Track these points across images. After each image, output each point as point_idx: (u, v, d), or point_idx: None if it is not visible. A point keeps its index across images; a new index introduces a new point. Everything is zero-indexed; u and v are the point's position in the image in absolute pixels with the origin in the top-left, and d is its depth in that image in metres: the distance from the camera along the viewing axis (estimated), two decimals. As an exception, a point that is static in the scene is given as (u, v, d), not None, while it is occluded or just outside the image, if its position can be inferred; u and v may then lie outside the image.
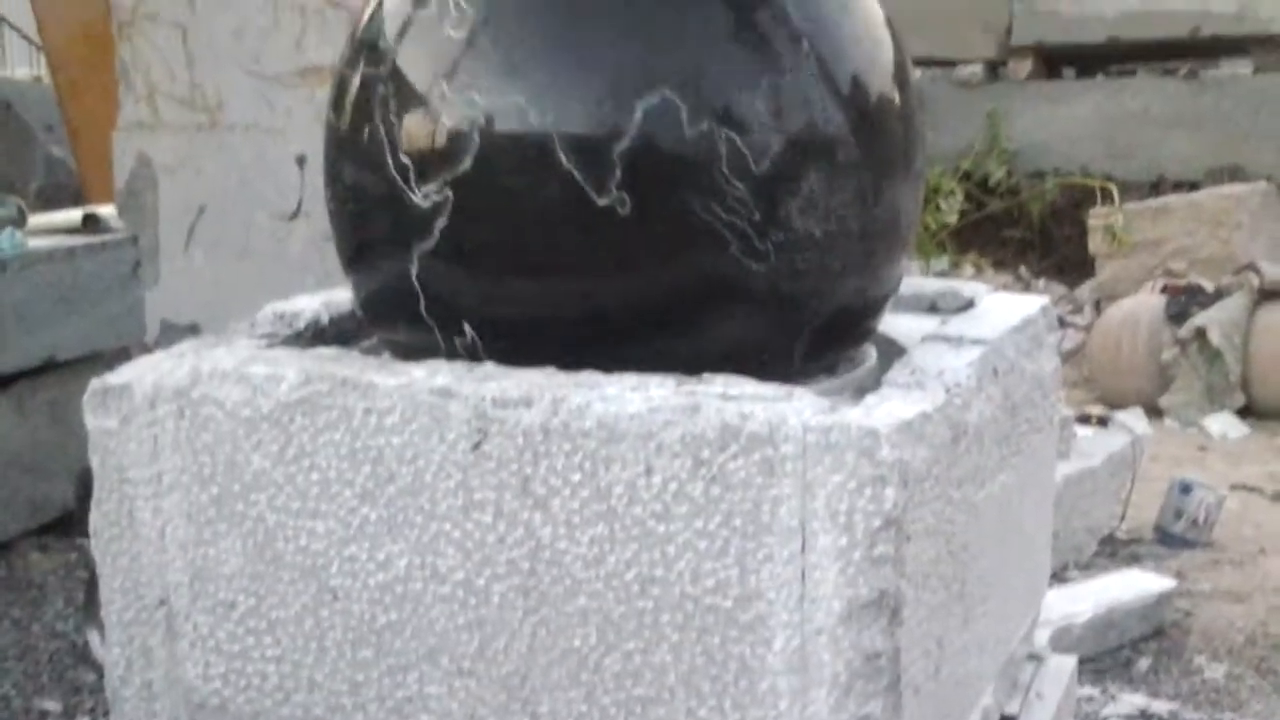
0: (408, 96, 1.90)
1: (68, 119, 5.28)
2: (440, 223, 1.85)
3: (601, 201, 1.79)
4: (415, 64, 1.91)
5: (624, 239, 1.81)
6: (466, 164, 1.83)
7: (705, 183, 1.81)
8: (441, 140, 1.85)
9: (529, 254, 1.85)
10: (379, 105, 1.93)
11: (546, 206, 1.82)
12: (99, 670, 2.33)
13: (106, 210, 3.62)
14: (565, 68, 1.84)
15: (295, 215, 4.26)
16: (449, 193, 1.84)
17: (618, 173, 1.79)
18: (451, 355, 1.90)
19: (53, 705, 2.39)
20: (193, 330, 3.69)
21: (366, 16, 2.03)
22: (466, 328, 1.90)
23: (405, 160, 1.87)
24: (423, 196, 1.86)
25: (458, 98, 1.85)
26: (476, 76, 1.85)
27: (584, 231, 1.81)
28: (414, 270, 1.89)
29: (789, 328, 1.94)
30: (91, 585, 2.33)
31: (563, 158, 1.79)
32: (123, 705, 2.01)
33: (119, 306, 3.30)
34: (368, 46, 1.98)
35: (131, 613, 1.97)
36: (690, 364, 1.82)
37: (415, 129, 1.88)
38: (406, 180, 1.87)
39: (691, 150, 1.81)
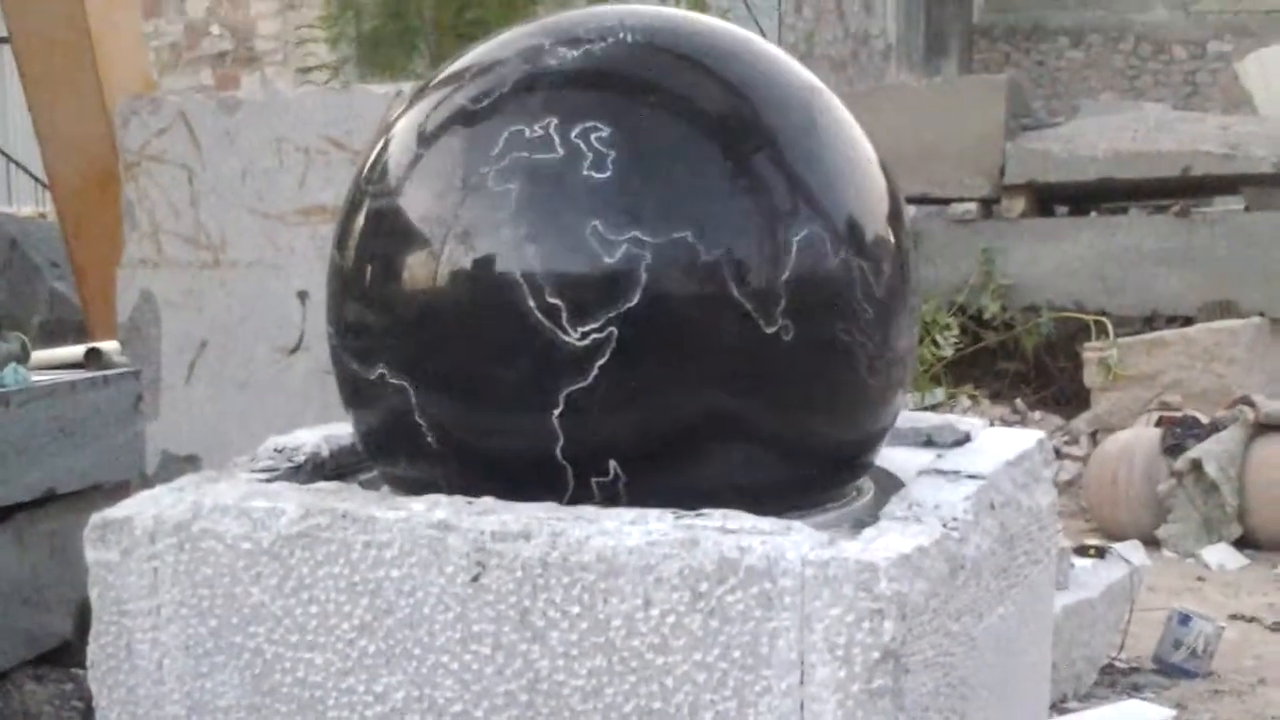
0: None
1: (73, 256, 5.35)
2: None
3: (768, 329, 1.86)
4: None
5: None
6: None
7: (845, 308, 1.92)
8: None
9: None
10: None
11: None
12: (93, 806, 2.31)
13: (109, 345, 3.66)
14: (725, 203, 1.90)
15: (296, 349, 4.29)
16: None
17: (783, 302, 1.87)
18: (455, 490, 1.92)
19: (46, 842, 2.38)
20: (192, 461, 3.71)
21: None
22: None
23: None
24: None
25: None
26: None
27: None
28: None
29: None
30: (88, 716, 2.31)
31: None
32: (118, 841, 1.99)
33: (120, 439, 3.32)
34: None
35: (128, 747, 1.96)
36: (685, 499, 1.84)
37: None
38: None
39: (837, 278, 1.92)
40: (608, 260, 1.85)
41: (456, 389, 1.91)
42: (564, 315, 1.84)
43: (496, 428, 1.91)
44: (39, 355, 3.39)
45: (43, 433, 3.15)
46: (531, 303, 1.84)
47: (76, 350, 3.51)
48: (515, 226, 1.89)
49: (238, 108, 4.28)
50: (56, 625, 3.09)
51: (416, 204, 1.97)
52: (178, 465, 3.58)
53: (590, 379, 1.84)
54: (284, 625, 1.87)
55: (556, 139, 1.88)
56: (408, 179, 1.99)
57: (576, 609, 1.73)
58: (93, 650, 1.97)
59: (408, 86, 3.38)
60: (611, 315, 1.84)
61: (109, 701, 1.96)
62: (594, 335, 1.84)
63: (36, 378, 3.26)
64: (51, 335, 3.71)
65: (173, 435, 3.88)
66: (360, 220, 2.03)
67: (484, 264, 1.90)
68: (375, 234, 2.00)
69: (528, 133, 1.89)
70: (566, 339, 1.84)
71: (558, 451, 1.88)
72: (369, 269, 2.00)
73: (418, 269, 1.93)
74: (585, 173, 1.87)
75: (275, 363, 4.29)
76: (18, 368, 3.20)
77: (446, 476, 1.94)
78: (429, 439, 1.95)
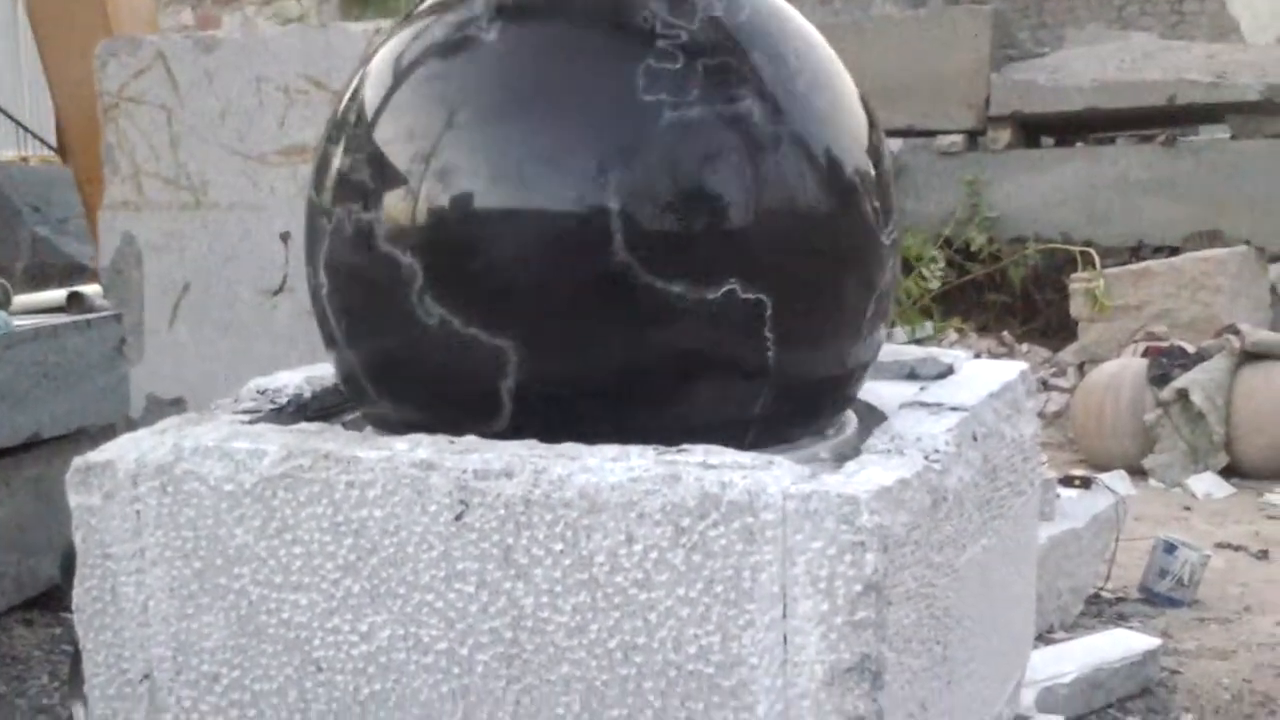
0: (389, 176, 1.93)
1: (86, 201, 5.31)
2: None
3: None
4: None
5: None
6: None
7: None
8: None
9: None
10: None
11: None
12: (85, 745, 2.33)
13: (91, 289, 3.64)
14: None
15: (280, 290, 4.28)
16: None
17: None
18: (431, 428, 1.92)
19: (38, 781, 2.39)
20: (178, 405, 3.70)
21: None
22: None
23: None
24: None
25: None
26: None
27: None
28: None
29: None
30: (76, 659, 2.32)
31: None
32: (107, 781, 2.00)
33: (104, 383, 3.31)
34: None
35: (115, 687, 1.97)
36: (670, 435, 1.84)
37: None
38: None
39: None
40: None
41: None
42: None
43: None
44: (20, 300, 3.38)
45: (26, 377, 3.15)
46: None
47: (58, 294, 3.49)
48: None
49: (216, 47, 4.25)
50: (44, 569, 3.10)
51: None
52: (163, 409, 3.57)
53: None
54: (268, 566, 1.87)
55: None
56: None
57: (560, 546, 1.74)
58: (78, 594, 1.97)
59: (386, 24, 3.36)
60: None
61: (95, 644, 1.97)
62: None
63: (19, 322, 3.25)
64: (34, 280, 3.68)
65: (158, 379, 3.87)
66: (338, 158, 2.01)
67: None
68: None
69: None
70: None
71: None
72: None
73: (396, 205, 1.92)
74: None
75: (259, 305, 4.28)
76: (0, 313, 3.19)
77: (429, 416, 1.94)
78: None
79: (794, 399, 1.99)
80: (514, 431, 1.88)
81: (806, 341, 1.96)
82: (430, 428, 1.91)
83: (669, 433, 1.83)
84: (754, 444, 1.85)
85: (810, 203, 1.95)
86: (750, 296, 1.86)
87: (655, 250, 1.83)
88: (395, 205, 1.92)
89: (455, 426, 1.91)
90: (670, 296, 1.83)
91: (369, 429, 2.07)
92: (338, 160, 2.01)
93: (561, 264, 1.87)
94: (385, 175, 1.94)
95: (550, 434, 1.87)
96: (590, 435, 1.85)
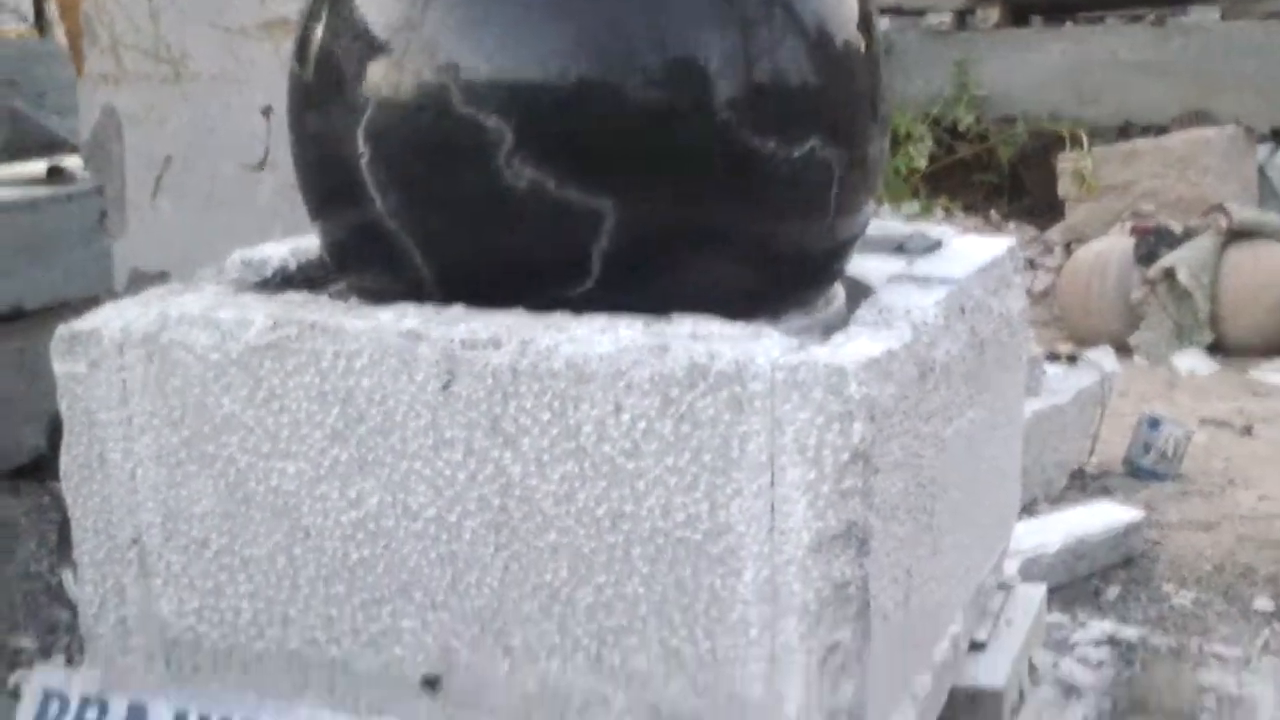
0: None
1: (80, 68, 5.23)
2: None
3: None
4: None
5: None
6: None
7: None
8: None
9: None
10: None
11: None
12: (73, 609, 2.34)
13: (72, 161, 3.60)
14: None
15: (262, 165, 4.24)
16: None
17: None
18: (419, 298, 1.91)
19: (28, 643, 2.41)
20: (161, 279, 3.68)
21: None
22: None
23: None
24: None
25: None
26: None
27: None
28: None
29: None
30: (64, 527, 2.33)
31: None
32: (98, 642, 2.02)
33: (86, 256, 3.29)
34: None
35: (104, 552, 1.98)
36: (661, 307, 1.84)
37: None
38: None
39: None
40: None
41: (427, 195, 1.89)
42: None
43: (468, 231, 1.88)
44: (0, 172, 3.34)
45: (8, 249, 3.13)
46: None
47: (38, 167, 3.45)
48: (480, 31, 1.86)
49: (194, -85, 4.16)
50: (29, 439, 3.10)
51: (377, 10, 1.92)
52: (147, 282, 3.54)
53: (670, 171, 1.83)
54: (256, 435, 1.87)
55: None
56: None
57: (547, 416, 1.74)
58: (65, 462, 1.97)
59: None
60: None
61: (84, 511, 1.97)
62: (675, 129, 1.83)
63: (-1, 195, 3.22)
64: (12, 155, 3.64)
65: (141, 253, 3.84)
66: (319, 30, 1.98)
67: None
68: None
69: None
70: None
71: (529, 257, 1.88)
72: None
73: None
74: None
75: (242, 179, 4.24)
76: (-21, 185, 3.16)
77: (416, 286, 1.93)
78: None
79: (782, 271, 1.99)
80: (600, 292, 1.86)
81: (796, 217, 1.95)
82: (496, 297, 1.87)
83: (653, 305, 1.83)
84: (740, 317, 1.83)
85: (849, 68, 1.98)
86: (825, 155, 1.90)
87: (752, 106, 1.84)
88: (478, 65, 1.84)
89: (532, 293, 1.87)
90: (763, 153, 1.85)
91: (354, 299, 2.06)
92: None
93: (663, 121, 1.84)
94: (463, 31, 1.88)
95: (637, 295, 1.85)
96: (675, 297, 1.85)
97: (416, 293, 1.92)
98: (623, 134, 1.83)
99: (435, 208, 1.89)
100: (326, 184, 2.03)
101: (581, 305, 1.84)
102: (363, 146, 1.89)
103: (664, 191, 1.85)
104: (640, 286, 1.87)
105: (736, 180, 1.86)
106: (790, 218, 1.94)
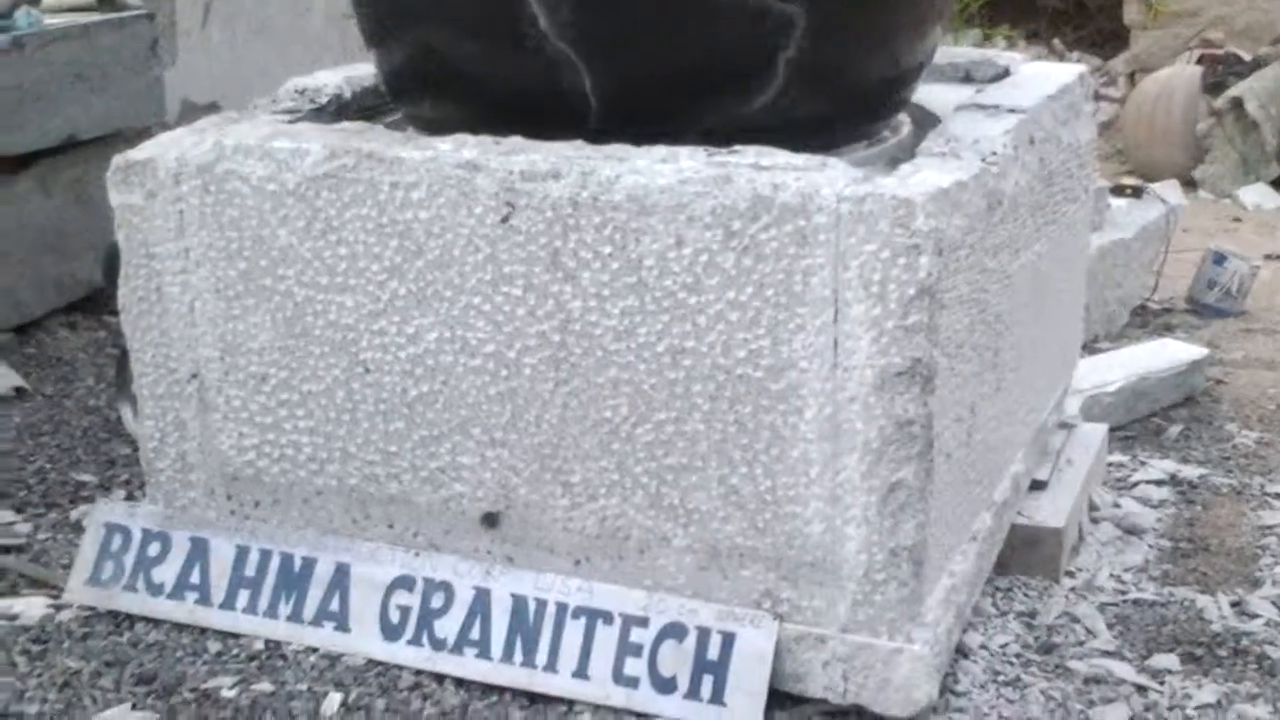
0: None
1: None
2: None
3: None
4: None
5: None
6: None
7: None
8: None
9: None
10: None
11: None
12: (133, 444, 2.36)
13: (121, -14, 3.55)
14: None
15: (313, -10, 4.18)
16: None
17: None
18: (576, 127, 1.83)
19: (89, 477, 2.42)
20: (212, 109, 3.64)
21: None
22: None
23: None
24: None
25: None
26: None
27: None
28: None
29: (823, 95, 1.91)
30: (123, 360, 2.34)
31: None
32: (158, 477, 2.03)
33: (138, 85, 3.24)
34: None
35: (163, 387, 1.98)
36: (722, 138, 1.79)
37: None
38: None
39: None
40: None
41: (613, 5, 1.80)
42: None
43: (655, 43, 1.81)
44: (49, -1, 3.30)
45: (60, 78, 3.08)
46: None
47: (88, -9, 3.41)
48: None
49: None
50: (84, 272, 3.09)
51: None
52: (198, 113, 3.51)
53: (537, 14, 1.77)
54: (313, 268, 1.86)
55: None
56: None
57: (608, 249, 1.71)
58: (123, 294, 1.97)
59: None
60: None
61: (142, 344, 1.97)
62: None
63: (50, 20, 3.17)
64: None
65: (192, 82, 3.80)
66: None
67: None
68: None
69: None
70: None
71: (714, 69, 1.82)
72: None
73: None
74: None
75: (293, 5, 4.18)
76: (30, 10, 3.11)
77: (473, 116, 1.89)
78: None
79: (846, 99, 1.94)
80: (783, 98, 1.84)
81: (863, 41, 1.90)
82: (669, 117, 1.84)
83: (715, 135, 1.78)
84: (804, 148, 1.78)
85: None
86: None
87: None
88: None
89: (709, 110, 1.84)
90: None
91: (411, 130, 2.02)
92: None
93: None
94: None
95: (815, 105, 1.86)
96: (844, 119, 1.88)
97: (575, 120, 1.84)
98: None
99: (620, 19, 1.80)
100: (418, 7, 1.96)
101: (760, 120, 1.83)
102: None
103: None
104: (818, 98, 1.86)
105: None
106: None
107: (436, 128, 1.92)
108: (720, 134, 1.79)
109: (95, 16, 3.28)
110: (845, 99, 1.93)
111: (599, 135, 1.81)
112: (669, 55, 1.81)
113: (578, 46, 1.79)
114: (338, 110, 2.18)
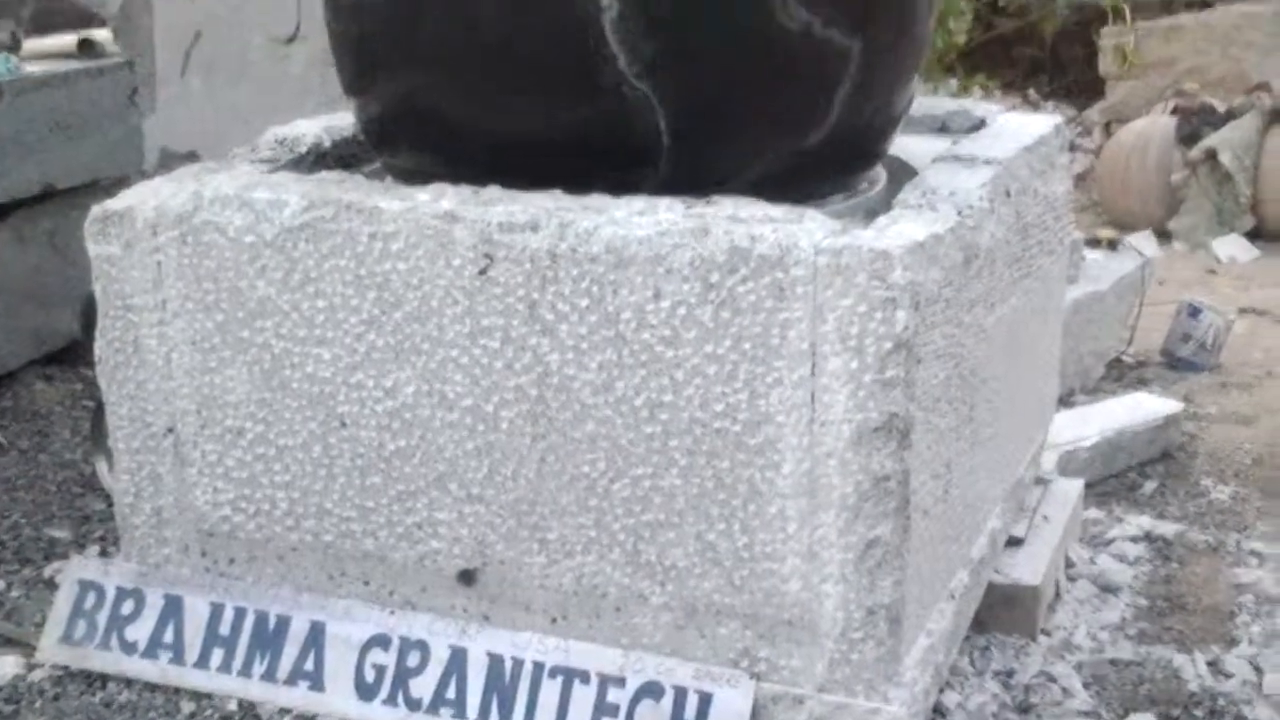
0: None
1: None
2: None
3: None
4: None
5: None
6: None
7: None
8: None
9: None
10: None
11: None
12: (108, 499, 2.34)
13: (102, 34, 3.54)
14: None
15: (293, 38, 4.18)
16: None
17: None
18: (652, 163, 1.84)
19: (62, 533, 2.41)
20: (191, 158, 3.64)
21: None
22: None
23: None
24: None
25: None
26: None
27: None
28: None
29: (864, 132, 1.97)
30: (98, 413, 2.32)
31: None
32: (133, 533, 2.02)
33: (117, 133, 3.24)
34: None
35: (139, 440, 1.97)
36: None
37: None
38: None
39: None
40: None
41: (693, 45, 1.80)
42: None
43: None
44: (30, 45, 3.28)
45: (39, 125, 3.08)
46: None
47: (68, 40, 3.39)
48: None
49: None
50: (62, 324, 3.07)
51: None
52: (177, 162, 3.51)
53: (617, 54, 1.77)
54: (291, 319, 1.85)
55: None
56: None
57: (586, 302, 1.71)
58: (100, 346, 1.96)
59: None
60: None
61: (118, 397, 1.96)
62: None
63: (29, 68, 3.16)
64: (41, 28, 3.58)
65: (170, 131, 3.80)
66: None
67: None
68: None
69: None
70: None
71: (778, 104, 1.84)
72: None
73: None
74: None
75: (272, 53, 4.18)
76: (9, 57, 3.10)
77: (454, 166, 1.89)
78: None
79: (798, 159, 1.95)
80: (834, 133, 1.88)
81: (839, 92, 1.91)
82: (738, 153, 1.86)
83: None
84: (781, 200, 1.79)
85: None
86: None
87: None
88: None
89: (772, 146, 1.87)
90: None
91: (390, 179, 2.02)
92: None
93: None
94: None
95: (867, 141, 1.97)
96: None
97: (644, 161, 1.83)
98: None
99: (699, 59, 1.80)
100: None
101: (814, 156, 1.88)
102: (608, 1, 1.75)
103: (903, 30, 1.92)
104: (861, 135, 1.96)
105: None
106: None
107: (416, 178, 1.91)
108: (777, 173, 1.87)
109: (75, 65, 3.27)
110: (878, 136, 2.02)
111: (666, 179, 1.83)
112: (740, 90, 1.82)
113: (657, 85, 1.78)
114: (317, 159, 2.17)
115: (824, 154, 1.90)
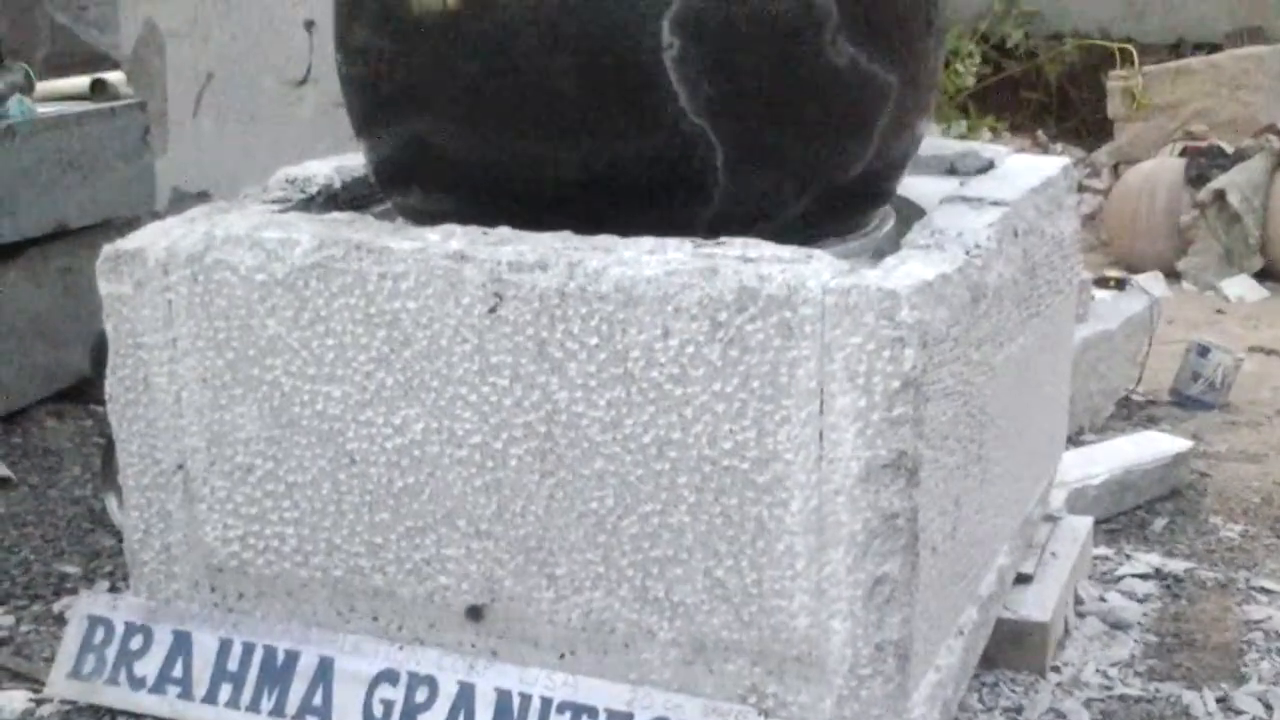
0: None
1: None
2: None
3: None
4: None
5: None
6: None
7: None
8: None
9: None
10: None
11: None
12: (117, 535, 2.35)
13: (114, 76, 3.57)
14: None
15: (305, 81, 4.21)
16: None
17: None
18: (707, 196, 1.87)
19: (72, 569, 2.42)
20: (202, 198, 3.67)
21: None
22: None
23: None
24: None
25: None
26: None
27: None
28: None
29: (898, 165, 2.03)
30: (108, 450, 2.33)
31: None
32: (142, 568, 2.02)
33: (129, 174, 3.26)
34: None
35: (149, 477, 1.98)
36: (704, 229, 1.81)
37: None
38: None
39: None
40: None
41: (749, 82, 1.83)
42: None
43: (781, 115, 1.86)
44: (43, 87, 3.31)
45: (51, 166, 3.10)
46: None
47: (81, 82, 3.42)
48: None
49: None
50: (73, 362, 3.09)
51: None
52: (189, 202, 3.54)
53: (678, 91, 1.79)
54: (301, 358, 1.86)
55: None
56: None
57: (595, 340, 1.72)
58: (111, 383, 1.97)
59: None
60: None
61: (128, 434, 1.97)
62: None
63: (42, 109, 3.19)
64: (55, 70, 3.61)
65: (182, 171, 3.82)
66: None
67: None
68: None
69: None
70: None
71: (823, 137, 1.89)
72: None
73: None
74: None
75: (283, 95, 4.21)
76: (22, 99, 3.13)
77: (462, 206, 1.91)
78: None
79: (833, 194, 1.96)
80: (870, 166, 1.94)
81: (849, 134, 1.92)
82: (785, 184, 1.90)
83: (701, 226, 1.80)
84: (790, 240, 1.80)
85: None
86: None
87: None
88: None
89: (819, 177, 1.91)
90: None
91: (400, 220, 2.04)
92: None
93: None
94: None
95: (886, 179, 2.03)
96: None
97: (701, 196, 1.86)
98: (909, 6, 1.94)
99: (755, 95, 1.83)
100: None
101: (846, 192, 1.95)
102: (669, 38, 1.78)
103: (927, 65, 1.98)
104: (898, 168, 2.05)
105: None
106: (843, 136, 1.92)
107: (426, 218, 1.93)
108: (813, 210, 1.92)
109: (87, 106, 3.31)
110: (896, 173, 2.09)
111: (718, 215, 1.85)
112: (791, 124, 1.86)
113: (715, 122, 1.81)
114: (328, 200, 2.19)
115: (855, 189, 1.96)
